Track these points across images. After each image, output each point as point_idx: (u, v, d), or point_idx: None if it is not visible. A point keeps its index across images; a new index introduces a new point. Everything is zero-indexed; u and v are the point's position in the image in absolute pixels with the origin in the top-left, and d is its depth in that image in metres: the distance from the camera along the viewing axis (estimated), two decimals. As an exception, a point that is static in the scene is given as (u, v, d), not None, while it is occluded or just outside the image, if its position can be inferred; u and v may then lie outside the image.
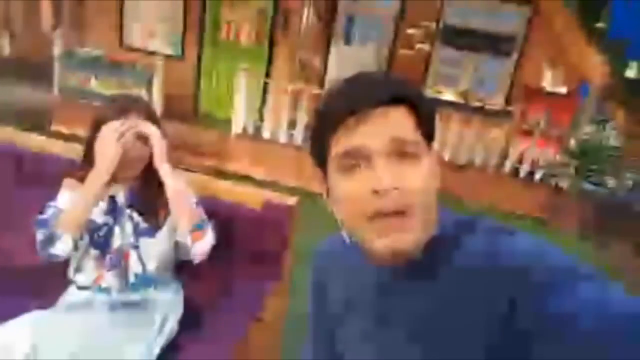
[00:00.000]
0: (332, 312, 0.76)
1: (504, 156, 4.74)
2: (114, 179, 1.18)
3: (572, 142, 4.65)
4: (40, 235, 1.09)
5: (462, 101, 5.53)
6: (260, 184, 4.00)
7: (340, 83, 0.59)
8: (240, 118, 4.83)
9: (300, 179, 4.30)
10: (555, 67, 5.12)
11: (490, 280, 0.52)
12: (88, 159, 1.17)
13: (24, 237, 1.24)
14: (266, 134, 4.85)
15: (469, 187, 4.58)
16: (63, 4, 6.57)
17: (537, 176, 4.66)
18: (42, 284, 1.29)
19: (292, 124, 4.76)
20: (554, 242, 0.54)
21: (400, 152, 0.54)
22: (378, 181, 0.53)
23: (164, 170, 1.18)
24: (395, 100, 0.55)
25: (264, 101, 5.22)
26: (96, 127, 1.15)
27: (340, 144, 0.56)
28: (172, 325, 1.23)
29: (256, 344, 1.40)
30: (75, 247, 1.11)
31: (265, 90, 5.24)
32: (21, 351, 0.97)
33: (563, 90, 5.24)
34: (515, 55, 5.39)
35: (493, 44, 5.43)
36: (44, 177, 1.44)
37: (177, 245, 1.25)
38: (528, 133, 4.75)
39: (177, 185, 1.19)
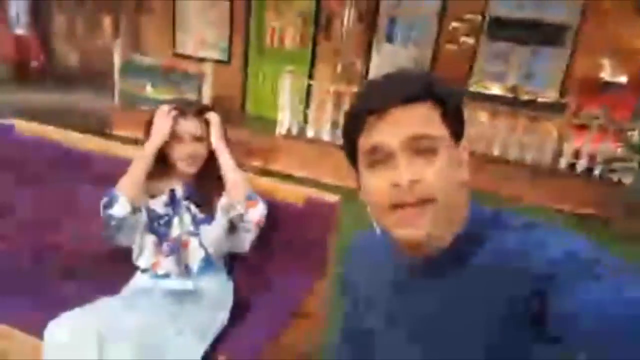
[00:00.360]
0: (358, 309, 0.78)
1: (558, 152, 4.50)
2: (174, 174, 1.30)
3: (635, 136, 4.33)
4: (103, 200, 1.21)
5: (510, 95, 5.31)
6: (304, 182, 4.07)
7: (366, 84, 0.63)
8: (285, 119, 4.94)
9: (343, 178, 4.34)
10: (614, 56, 4.79)
11: (516, 279, 0.52)
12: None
13: (88, 230, 1.38)
14: (310, 134, 4.93)
15: (518, 185, 4.40)
16: (122, 18, 7.05)
17: (596, 172, 4.38)
18: (104, 274, 1.40)
19: (335, 124, 4.80)
20: (614, 243, 0.51)
21: (421, 148, 0.56)
22: (398, 175, 0.56)
23: (220, 148, 1.29)
24: (420, 96, 0.57)
25: (307, 102, 5.31)
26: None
27: (365, 141, 0.60)
28: (224, 315, 1.29)
29: (296, 340, 1.42)
30: (133, 212, 1.22)
31: (308, 92, 5.33)
32: (88, 338, 1.04)
33: (623, 80, 4.88)
34: (569, 46, 5.08)
35: (544, 35, 5.16)
36: (106, 176, 1.59)
37: (232, 229, 1.33)
38: (584, 127, 4.47)
39: (230, 161, 1.30)
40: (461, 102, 0.62)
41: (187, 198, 1.32)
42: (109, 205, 1.21)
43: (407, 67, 4.55)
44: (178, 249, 1.30)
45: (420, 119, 0.57)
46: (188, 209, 1.31)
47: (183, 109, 1.29)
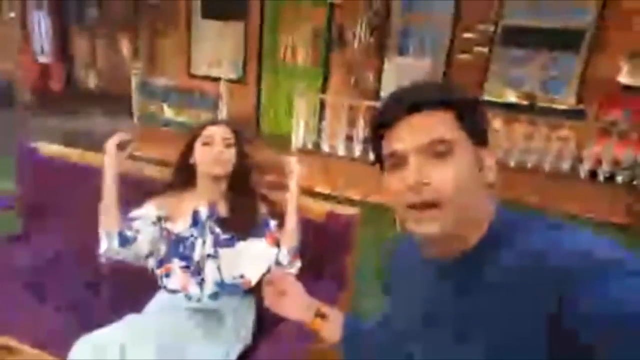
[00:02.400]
0: (397, 310, 0.80)
1: (578, 159, 4.41)
2: (200, 193, 1.31)
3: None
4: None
5: (527, 103, 5.26)
6: (321, 196, 4.08)
7: (388, 95, 0.67)
8: (299, 134, 4.98)
9: (360, 191, 4.34)
10: (633, 59, 4.71)
11: (537, 280, 0.52)
12: (178, 176, 1.35)
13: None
14: (325, 148, 4.95)
15: (539, 193, 4.32)
16: (139, 42, 7.29)
17: (619, 178, 4.27)
18: (130, 290, 1.40)
19: (349, 138, 4.82)
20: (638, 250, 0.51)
21: (435, 152, 0.60)
22: (408, 177, 0.60)
23: (294, 191, 1.36)
24: (432, 103, 0.61)
25: (321, 116, 5.35)
26: (191, 136, 1.34)
27: (386, 147, 0.65)
28: (246, 332, 1.30)
29: (318, 354, 1.42)
30: (122, 242, 1.20)
31: (322, 106, 5.38)
32: (112, 351, 1.06)
33: (643, 84, 4.78)
34: (585, 51, 5.02)
35: (559, 40, 5.12)
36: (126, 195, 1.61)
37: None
38: (605, 133, 4.39)
39: (295, 208, 1.33)
40: (479, 106, 0.65)
41: (211, 218, 1.30)
42: (100, 246, 1.23)
43: (422, 79, 4.64)
44: (199, 272, 1.28)
45: (433, 125, 0.61)
46: (212, 230, 1.30)
47: (214, 122, 1.35)
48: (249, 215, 1.33)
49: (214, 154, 1.28)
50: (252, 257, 1.30)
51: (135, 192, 1.38)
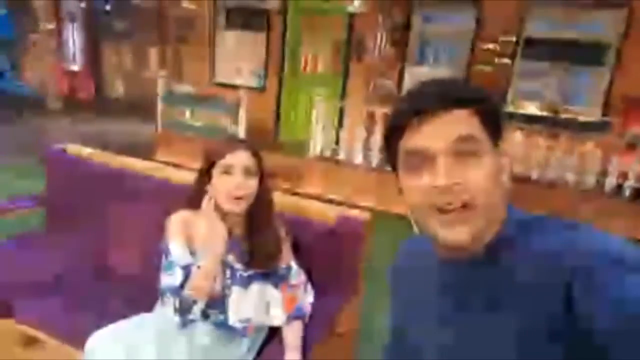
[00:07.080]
0: (404, 311, 0.79)
1: (602, 173, 4.29)
2: (224, 215, 1.22)
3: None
4: (176, 303, 1.14)
5: (549, 115, 5.16)
6: (336, 203, 4.06)
7: (409, 89, 0.64)
8: (317, 141, 5.01)
9: (375, 199, 4.33)
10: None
11: (550, 279, 0.52)
12: (197, 193, 1.24)
13: (135, 250, 1.43)
14: (342, 156, 4.96)
15: (560, 209, 4.20)
16: (166, 52, 7.53)
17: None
18: (143, 293, 1.41)
19: (367, 146, 4.83)
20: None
21: (463, 151, 0.57)
22: (439, 178, 0.57)
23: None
24: (459, 102, 0.58)
25: (340, 124, 5.38)
26: (208, 161, 1.23)
27: (406, 144, 0.61)
28: (260, 341, 1.30)
29: (329, 357, 1.40)
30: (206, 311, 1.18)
31: (341, 114, 5.41)
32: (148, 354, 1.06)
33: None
34: (611, 63, 4.92)
35: (584, 52, 5.02)
36: (149, 195, 1.68)
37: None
38: (630, 147, 4.26)
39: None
40: (499, 107, 0.63)
41: (231, 251, 1.23)
42: (187, 311, 1.15)
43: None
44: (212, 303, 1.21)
45: (464, 123, 0.58)
46: (229, 264, 1.22)
47: (233, 143, 1.25)
48: (271, 254, 1.26)
49: (233, 185, 1.18)
50: (263, 304, 1.26)
51: (158, 192, 1.44)
